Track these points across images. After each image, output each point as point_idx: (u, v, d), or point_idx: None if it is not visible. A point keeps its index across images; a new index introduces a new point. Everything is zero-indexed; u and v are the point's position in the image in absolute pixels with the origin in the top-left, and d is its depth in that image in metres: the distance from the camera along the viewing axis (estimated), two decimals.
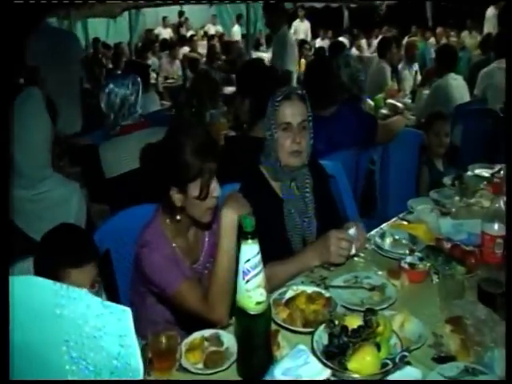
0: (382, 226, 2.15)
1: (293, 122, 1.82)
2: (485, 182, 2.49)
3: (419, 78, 5.71)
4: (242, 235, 1.18)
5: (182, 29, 12.22)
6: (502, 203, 1.44)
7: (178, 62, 8.20)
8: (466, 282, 1.55)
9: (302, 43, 8.64)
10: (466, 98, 4.42)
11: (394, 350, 1.26)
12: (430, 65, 6.75)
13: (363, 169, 3.23)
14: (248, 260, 1.16)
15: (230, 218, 1.59)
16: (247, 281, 1.16)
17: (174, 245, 1.64)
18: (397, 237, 1.99)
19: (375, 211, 3.39)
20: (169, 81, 7.85)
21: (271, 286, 1.45)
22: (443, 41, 9.59)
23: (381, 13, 10.18)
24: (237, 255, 1.25)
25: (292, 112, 1.81)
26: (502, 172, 2.58)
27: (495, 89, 4.52)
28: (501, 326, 1.32)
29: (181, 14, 12.78)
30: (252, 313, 1.19)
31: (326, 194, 2.04)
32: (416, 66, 5.94)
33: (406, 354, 1.20)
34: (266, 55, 7.90)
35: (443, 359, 1.31)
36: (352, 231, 1.77)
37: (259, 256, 1.18)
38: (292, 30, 10.78)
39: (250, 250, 1.17)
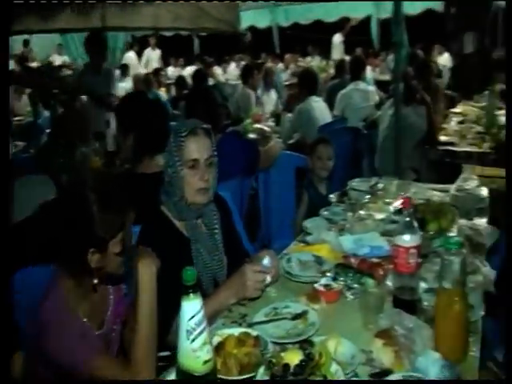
0: (284, 252, 2.16)
1: (200, 159, 1.74)
2: (368, 196, 2.64)
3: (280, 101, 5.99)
4: (182, 290, 1.06)
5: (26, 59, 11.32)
6: (411, 216, 1.51)
7: (25, 97, 7.57)
8: (385, 294, 1.59)
9: (157, 71, 8.58)
10: (328, 118, 4.73)
11: (338, 377, 1.24)
12: (281, 89, 7.17)
13: (246, 196, 3.26)
14: (192, 317, 1.05)
15: (148, 272, 1.48)
16: (193, 340, 1.05)
17: (80, 315, 1.44)
18: (303, 260, 2.00)
19: (259, 236, 3.45)
20: (17, 118, 7.20)
21: None
22: (292, 66, 10.27)
23: (246, 40, 10.57)
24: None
25: (198, 148, 1.73)
26: (379, 185, 2.78)
27: (353, 108, 4.93)
28: (426, 329, 1.38)
29: (26, 43, 11.86)
30: (200, 374, 1.08)
31: (231, 228, 1.99)
32: (274, 91, 6.23)
33: (356, 378, 1.18)
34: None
35: (380, 374, 1.32)
36: (266, 261, 1.74)
37: (203, 310, 1.07)
38: (144, 59, 10.68)
39: (194, 306, 1.06)
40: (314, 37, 10.74)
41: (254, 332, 1.49)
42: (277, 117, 5.42)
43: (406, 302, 1.55)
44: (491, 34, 8.15)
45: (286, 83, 8.06)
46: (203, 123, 1.78)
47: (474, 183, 2.45)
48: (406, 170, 4.01)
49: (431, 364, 1.27)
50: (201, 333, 1.05)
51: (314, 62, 11.36)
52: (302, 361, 1.25)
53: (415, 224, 1.50)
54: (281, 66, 10.30)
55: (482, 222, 2.20)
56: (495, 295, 1.65)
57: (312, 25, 10.60)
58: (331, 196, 2.73)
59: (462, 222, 2.16)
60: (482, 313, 1.50)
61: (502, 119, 4.20)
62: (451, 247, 1.30)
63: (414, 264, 1.51)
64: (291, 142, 4.63)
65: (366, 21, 9.43)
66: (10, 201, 1.11)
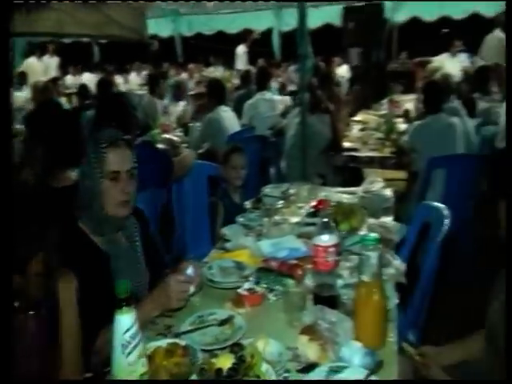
0: (205, 260, 2.17)
1: (121, 171, 1.70)
2: (281, 201, 2.73)
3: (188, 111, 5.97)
4: (116, 303, 1.04)
5: None
6: (329, 217, 1.60)
7: None
8: (306, 293, 1.67)
9: (55, 80, 8.14)
10: (237, 127, 4.81)
11: (269, 376, 1.28)
12: (188, 99, 7.18)
13: (159, 207, 3.22)
14: (127, 330, 1.03)
15: (68, 289, 1.42)
16: (128, 354, 1.03)
17: None
18: (224, 266, 2.03)
19: (173, 247, 3.42)
20: None
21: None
22: (196, 76, 10.28)
23: (153, 49, 10.37)
24: None
25: (120, 159, 1.69)
26: (290, 190, 2.89)
27: (260, 117, 5.06)
28: (347, 321, 1.48)
29: None
30: None
31: (150, 240, 1.96)
32: (182, 101, 6.20)
33: (286, 374, 1.23)
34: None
35: (307, 368, 1.38)
36: (189, 271, 1.74)
37: (137, 323, 1.06)
38: (43, 66, 10.11)
39: (128, 319, 1.04)
40: (216, 47, 10.86)
41: (181, 342, 1.49)
42: (185, 127, 5.40)
43: (326, 298, 1.64)
44: (386, 48, 8.82)
45: (192, 93, 8.06)
46: (122, 134, 1.74)
47: (379, 185, 2.63)
48: (312, 176, 4.19)
49: (354, 353, 1.37)
50: (136, 346, 1.04)
51: (217, 72, 11.48)
52: (234, 364, 1.28)
53: (332, 224, 1.59)
54: (184, 75, 10.27)
55: (388, 219, 2.37)
56: (406, 285, 1.79)
57: (215, 35, 10.73)
58: (246, 203, 2.79)
59: (371, 220, 2.31)
60: (396, 301, 1.62)
61: (401, 126, 4.55)
62: (369, 243, 1.40)
63: (332, 262, 1.59)
64: (201, 151, 4.64)
65: (268, 33, 9.73)
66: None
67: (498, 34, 7.25)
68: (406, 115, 4.80)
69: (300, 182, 3.07)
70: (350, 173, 4.52)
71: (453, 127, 3.58)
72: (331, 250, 1.57)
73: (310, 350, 1.42)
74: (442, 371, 1.68)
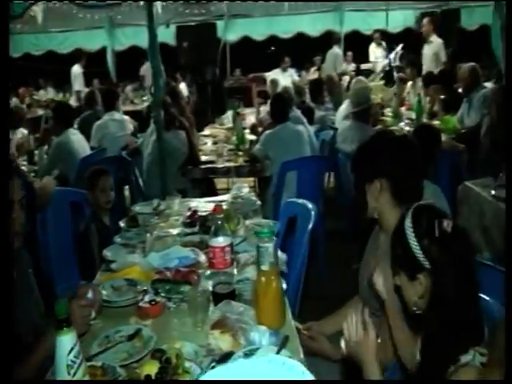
0: (94, 282, 2.15)
1: (15, 201, 1.64)
2: (156, 217, 2.80)
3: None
4: (56, 325, 1.04)
5: None
6: (222, 220, 1.75)
7: None
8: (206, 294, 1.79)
9: None
10: (87, 150, 4.69)
11: (194, 370, 1.39)
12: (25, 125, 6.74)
13: None
14: (71, 350, 1.04)
15: None
16: (74, 374, 1.05)
17: None
18: (116, 286, 2.04)
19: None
20: None
21: None
22: (27, 99, 9.64)
23: None
24: None
25: (13, 189, 1.62)
26: (161, 206, 2.97)
27: (111, 138, 4.99)
28: (250, 309, 1.65)
29: None
30: None
31: (40, 269, 1.90)
32: (22, 128, 5.81)
33: (213, 364, 1.34)
34: None
35: (223, 358, 1.49)
36: (90, 295, 1.73)
37: (78, 342, 1.07)
38: None
39: (70, 339, 1.05)
40: (47, 68, 10.29)
41: (97, 363, 1.50)
42: (29, 154, 5.08)
43: (226, 295, 1.77)
44: (221, 65, 9.27)
45: (29, 117, 7.55)
46: None
47: (246, 190, 2.86)
48: (173, 191, 4.29)
49: (262, 335, 1.54)
50: (80, 365, 1.06)
51: (49, 94, 10.89)
52: (161, 367, 1.35)
53: (226, 226, 1.75)
54: (15, 100, 9.55)
55: (259, 219, 2.60)
56: (287, 272, 2.00)
57: (45, 55, 10.14)
58: (120, 223, 2.79)
59: (247, 222, 2.52)
60: (285, 286, 1.81)
61: (249, 137, 4.89)
62: (264, 235, 1.58)
63: (229, 260, 1.75)
64: (52, 177, 4.43)
65: (102, 52, 9.52)
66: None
67: (335, 50, 8.27)
68: (253, 127, 5.16)
69: (172, 196, 3.16)
70: (205, 185, 4.73)
71: (300, 133, 4.00)
72: (227, 249, 1.72)
73: (222, 341, 1.55)
74: (327, 340, 1.92)
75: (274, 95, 4.40)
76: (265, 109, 5.32)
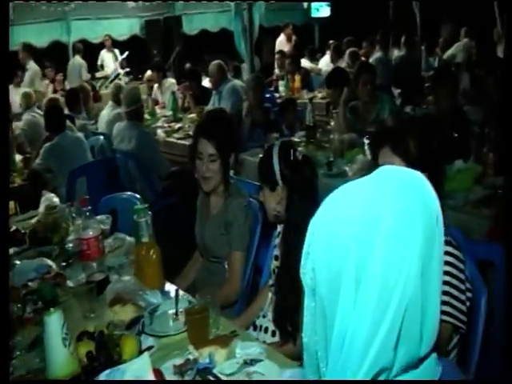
0: None
1: None
2: None
3: None
4: (44, 307, 1.16)
5: None
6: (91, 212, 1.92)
7: None
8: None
9: None
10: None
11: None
12: None
13: None
14: (63, 325, 1.16)
15: None
16: (69, 344, 1.17)
17: None
18: None
19: None
20: None
21: None
22: None
23: None
24: None
25: None
26: None
27: None
28: (135, 279, 1.88)
29: None
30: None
31: None
32: None
33: (151, 345, 1.57)
34: None
35: (132, 323, 1.71)
36: None
37: None
38: None
39: (60, 316, 1.17)
40: None
41: None
42: None
43: (101, 282, 1.93)
44: None
45: None
46: None
47: (56, 199, 2.89)
48: None
49: (155, 296, 1.82)
50: (71, 338, 1.19)
51: None
52: (97, 348, 1.48)
53: (95, 217, 1.91)
54: None
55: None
56: None
57: None
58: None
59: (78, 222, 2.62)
60: None
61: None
62: (140, 212, 1.83)
63: (102, 249, 1.92)
64: None
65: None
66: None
67: (77, 60, 8.11)
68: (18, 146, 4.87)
69: None
70: None
71: (80, 140, 4.08)
72: (100, 237, 1.90)
73: (123, 312, 1.76)
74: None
75: (46, 108, 4.31)
76: None
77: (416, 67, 6.40)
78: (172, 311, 1.76)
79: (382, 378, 0.67)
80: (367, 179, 0.74)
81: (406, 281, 0.66)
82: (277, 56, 7.07)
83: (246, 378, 1.40)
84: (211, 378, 1.38)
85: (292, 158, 1.84)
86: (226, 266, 2.29)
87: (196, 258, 2.50)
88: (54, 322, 1.19)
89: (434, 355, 0.72)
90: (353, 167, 3.24)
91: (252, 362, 1.45)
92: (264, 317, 2.06)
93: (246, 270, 2.33)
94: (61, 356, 1.20)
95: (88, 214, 1.92)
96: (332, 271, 0.70)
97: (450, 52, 7.04)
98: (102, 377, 1.30)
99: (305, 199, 1.83)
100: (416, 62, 6.60)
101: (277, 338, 1.94)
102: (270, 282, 2.07)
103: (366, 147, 3.33)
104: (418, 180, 0.72)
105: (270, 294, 2.08)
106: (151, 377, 1.29)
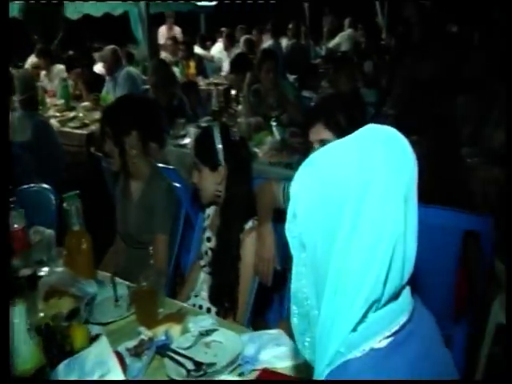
0: None
1: None
2: None
3: None
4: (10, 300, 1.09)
5: None
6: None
7: None
8: None
9: None
10: None
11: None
12: None
13: None
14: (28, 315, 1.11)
15: None
16: (33, 336, 1.12)
17: None
18: None
19: None
20: None
21: None
22: None
23: None
24: None
25: None
26: None
27: None
28: (66, 269, 1.83)
29: None
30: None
31: None
32: None
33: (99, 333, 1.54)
34: None
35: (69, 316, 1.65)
36: None
37: None
38: None
39: (24, 308, 1.12)
40: None
41: None
42: None
43: (30, 277, 1.83)
44: None
45: None
46: None
47: None
48: None
49: (91, 285, 1.77)
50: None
51: None
52: (46, 340, 1.42)
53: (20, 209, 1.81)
54: None
55: None
56: None
57: None
58: None
59: None
60: None
61: None
62: (69, 200, 1.76)
63: (28, 241, 1.82)
64: None
65: None
66: None
67: None
68: None
69: None
70: None
71: None
72: (26, 229, 1.80)
73: (61, 304, 1.68)
74: None
75: None
76: None
77: (306, 55, 6.70)
78: (111, 297, 1.74)
79: (372, 311, 0.76)
80: (353, 138, 0.80)
81: (395, 226, 0.75)
82: (169, 42, 6.95)
83: (205, 348, 1.44)
84: (171, 354, 1.39)
85: (231, 138, 1.89)
86: (151, 251, 2.27)
87: (117, 245, 2.43)
88: (20, 312, 1.14)
89: (408, 287, 0.82)
90: (263, 148, 3.35)
91: (207, 332, 1.49)
92: (196, 296, 2.09)
93: (172, 253, 2.34)
94: (28, 347, 1.15)
95: (13, 205, 1.80)
96: (326, 228, 0.76)
97: (334, 41, 7.46)
98: (62, 367, 1.26)
99: (244, 178, 1.89)
100: (305, 50, 6.91)
101: (212, 315, 1.99)
102: (202, 262, 2.10)
103: (275, 129, 3.49)
104: (400, 136, 0.81)
105: (202, 275, 2.11)
106: (114, 359, 1.27)
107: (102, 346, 1.30)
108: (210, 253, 2.04)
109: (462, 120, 2.90)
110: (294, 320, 0.86)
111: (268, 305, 2.19)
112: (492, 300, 2.25)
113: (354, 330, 0.74)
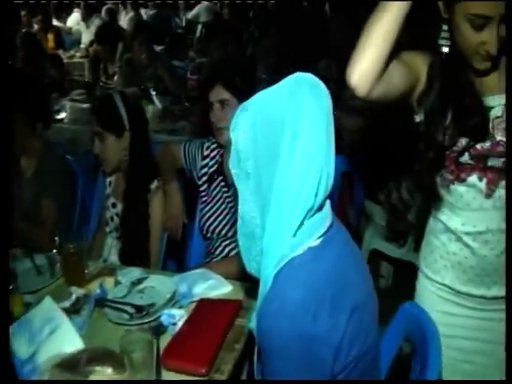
0: None
1: None
2: None
3: None
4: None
5: None
6: None
7: None
8: None
9: None
10: None
11: None
12: None
13: None
14: None
15: None
16: None
17: None
18: None
19: None
20: None
21: None
22: None
23: None
24: None
25: None
26: None
27: None
28: None
29: None
30: None
31: None
32: None
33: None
34: None
35: None
36: None
37: None
38: None
39: None
40: None
41: None
42: None
43: None
44: None
45: None
46: None
47: None
48: None
49: None
50: None
51: None
52: None
53: None
54: None
55: None
56: None
57: None
58: None
59: None
60: None
61: None
62: None
63: None
64: None
65: None
66: None
67: None
68: None
69: None
70: None
71: None
72: None
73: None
74: None
75: None
76: None
77: (168, 25, 6.70)
78: (31, 268, 1.77)
79: (307, 218, 0.97)
80: (281, 82, 1.00)
81: (322, 148, 0.96)
82: (22, 13, 6.46)
83: (140, 294, 1.57)
84: (110, 304, 1.50)
85: (134, 106, 2.00)
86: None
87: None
88: None
89: (328, 200, 1.04)
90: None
91: (139, 281, 1.62)
92: (105, 261, 2.16)
93: (73, 224, 2.40)
94: None
95: None
96: (268, 157, 0.96)
97: (193, 12, 7.53)
98: (13, 330, 1.31)
99: (146, 140, 2.01)
100: (167, 21, 6.89)
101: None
102: (108, 229, 2.18)
103: (155, 98, 3.59)
104: (319, 80, 1.01)
105: (109, 240, 2.19)
106: (61, 314, 1.36)
107: (47, 305, 1.38)
108: (115, 218, 2.13)
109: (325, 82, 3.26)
110: (241, 240, 1.06)
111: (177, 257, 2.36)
112: (364, 230, 2.67)
113: (294, 235, 0.97)
